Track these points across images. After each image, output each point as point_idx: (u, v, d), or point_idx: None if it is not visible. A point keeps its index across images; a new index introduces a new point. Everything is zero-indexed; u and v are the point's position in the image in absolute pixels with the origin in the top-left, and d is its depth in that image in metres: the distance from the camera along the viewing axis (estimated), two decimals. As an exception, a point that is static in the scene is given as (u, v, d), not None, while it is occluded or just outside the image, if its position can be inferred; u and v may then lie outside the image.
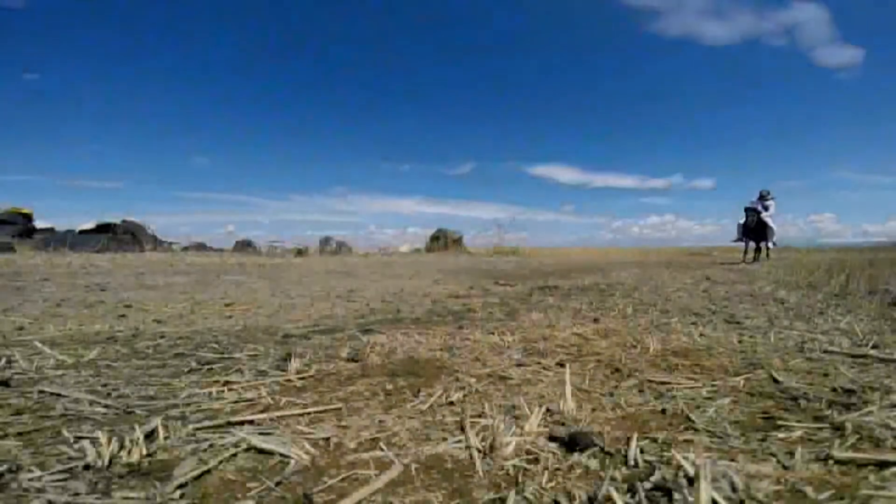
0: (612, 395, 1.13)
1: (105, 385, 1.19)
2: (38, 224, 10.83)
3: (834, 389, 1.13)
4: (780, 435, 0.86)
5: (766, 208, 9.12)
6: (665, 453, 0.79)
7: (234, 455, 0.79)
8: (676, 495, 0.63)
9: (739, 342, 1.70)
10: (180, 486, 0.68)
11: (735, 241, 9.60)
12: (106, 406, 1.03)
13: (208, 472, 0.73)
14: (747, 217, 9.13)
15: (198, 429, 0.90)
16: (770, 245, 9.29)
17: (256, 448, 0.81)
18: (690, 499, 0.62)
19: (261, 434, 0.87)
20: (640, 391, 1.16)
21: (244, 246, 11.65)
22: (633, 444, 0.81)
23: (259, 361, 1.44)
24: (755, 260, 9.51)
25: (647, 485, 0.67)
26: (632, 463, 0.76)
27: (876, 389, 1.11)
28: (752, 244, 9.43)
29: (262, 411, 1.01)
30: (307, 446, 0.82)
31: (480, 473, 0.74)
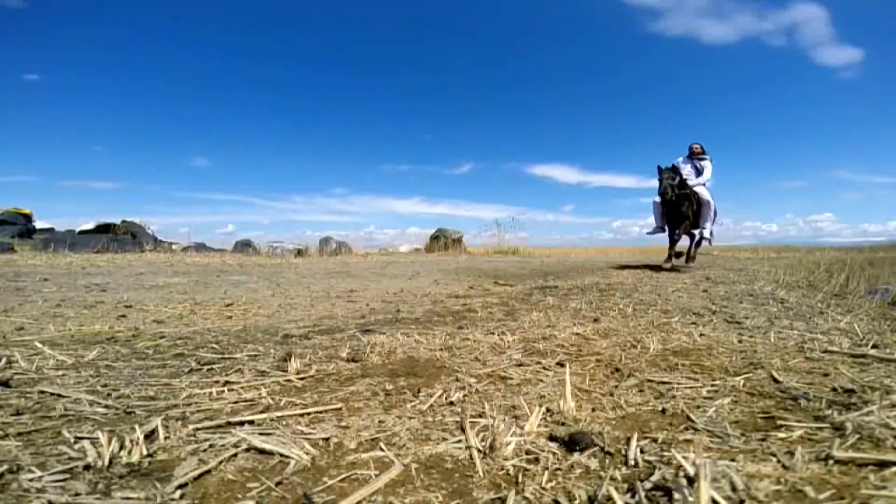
0: (612, 395, 1.13)
1: (105, 385, 1.19)
2: (38, 224, 10.82)
3: (834, 389, 1.14)
4: (780, 435, 0.86)
5: (698, 171, 5.34)
6: (665, 453, 0.79)
7: (234, 455, 0.79)
8: (676, 495, 0.63)
9: (739, 342, 1.70)
10: (180, 487, 0.68)
11: (652, 232, 5.80)
12: (106, 406, 1.03)
13: (208, 472, 0.73)
14: (661, 182, 5.11)
15: (198, 429, 0.90)
16: (706, 234, 5.46)
17: (256, 448, 0.81)
18: (690, 499, 0.62)
19: (261, 434, 0.87)
20: (640, 391, 1.16)
21: (244, 246, 11.63)
22: (633, 443, 0.81)
23: (259, 361, 1.44)
24: (676, 256, 5.75)
25: (647, 485, 0.67)
26: (632, 463, 0.76)
27: (876, 389, 1.11)
28: (690, 236, 5.64)
29: (262, 411, 1.01)
30: (307, 446, 0.82)
31: (480, 473, 0.74)
